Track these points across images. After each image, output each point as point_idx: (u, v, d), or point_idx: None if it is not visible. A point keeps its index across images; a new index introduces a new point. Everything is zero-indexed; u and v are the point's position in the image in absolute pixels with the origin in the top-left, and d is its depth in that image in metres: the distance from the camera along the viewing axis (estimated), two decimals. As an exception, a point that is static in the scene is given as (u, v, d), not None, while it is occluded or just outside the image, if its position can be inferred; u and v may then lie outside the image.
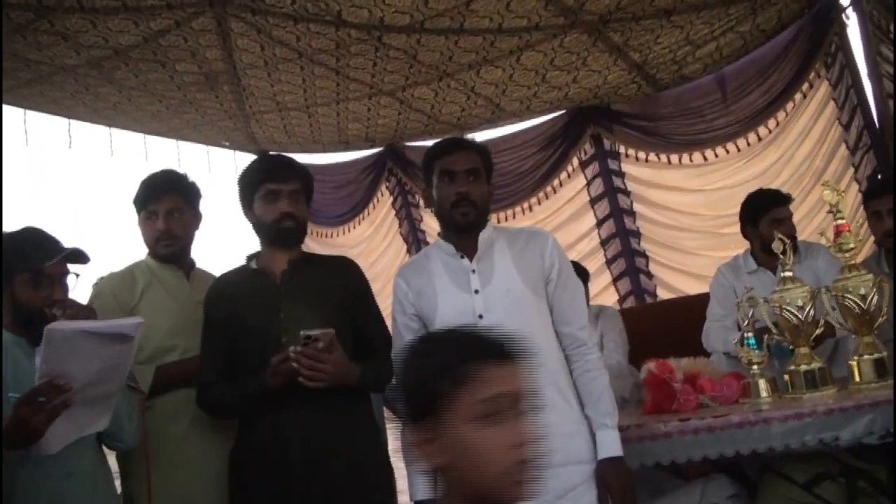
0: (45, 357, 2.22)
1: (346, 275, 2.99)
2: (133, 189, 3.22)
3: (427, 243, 7.16)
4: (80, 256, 2.58)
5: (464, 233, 2.69)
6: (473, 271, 2.65)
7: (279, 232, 2.82)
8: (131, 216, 3.25)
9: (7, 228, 2.64)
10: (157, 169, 3.28)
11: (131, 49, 4.52)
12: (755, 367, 3.20)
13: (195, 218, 3.27)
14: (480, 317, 2.58)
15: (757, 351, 3.21)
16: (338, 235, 7.47)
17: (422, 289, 2.70)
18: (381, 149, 7.17)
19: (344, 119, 6.31)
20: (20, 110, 5.12)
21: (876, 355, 2.98)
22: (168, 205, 3.14)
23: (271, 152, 6.08)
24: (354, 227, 7.40)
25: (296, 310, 2.77)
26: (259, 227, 2.86)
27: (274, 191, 2.79)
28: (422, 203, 7.18)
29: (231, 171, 6.99)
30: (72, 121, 5.50)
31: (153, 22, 4.22)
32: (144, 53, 4.60)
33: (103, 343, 2.30)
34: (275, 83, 5.36)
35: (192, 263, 3.29)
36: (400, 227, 7.33)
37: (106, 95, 5.21)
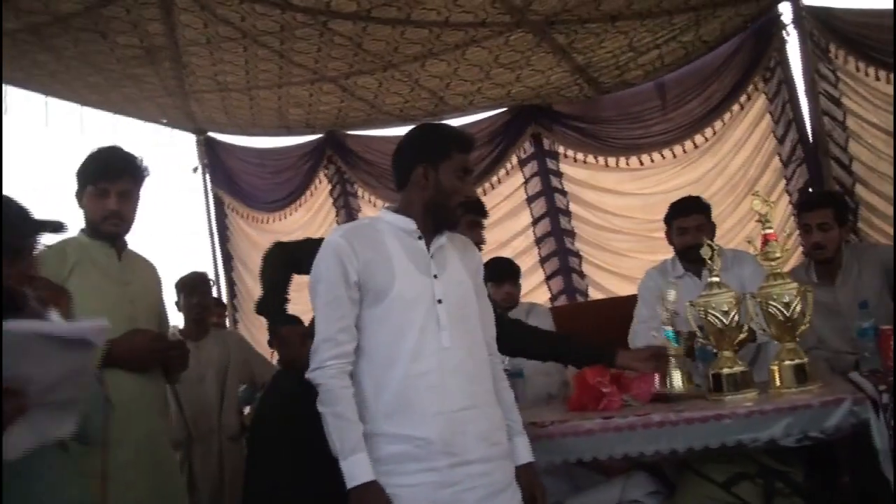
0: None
1: None
2: (67, 161, 3.13)
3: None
4: (61, 228, 2.39)
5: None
6: (432, 256, 2.57)
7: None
8: (62, 187, 3.17)
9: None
10: (104, 144, 3.17)
11: (72, 17, 4.42)
12: (672, 359, 3.27)
13: (139, 200, 3.20)
14: (440, 301, 2.49)
15: (674, 344, 3.28)
16: (274, 221, 7.35)
17: (372, 260, 2.50)
18: (321, 135, 7.13)
19: (285, 103, 6.26)
20: (-49, 73, 4.97)
21: (797, 361, 3.04)
22: (123, 186, 3.07)
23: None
24: (291, 214, 7.31)
25: None
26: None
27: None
28: (360, 192, 7.16)
29: (169, 149, 6.89)
30: (6, 86, 5.35)
31: (95, -10, 4.14)
32: (85, 23, 4.50)
33: (63, 347, 2.13)
34: (216, 62, 5.30)
35: (124, 244, 3.22)
36: (337, 215, 7.25)
37: (43, 62, 5.08)
